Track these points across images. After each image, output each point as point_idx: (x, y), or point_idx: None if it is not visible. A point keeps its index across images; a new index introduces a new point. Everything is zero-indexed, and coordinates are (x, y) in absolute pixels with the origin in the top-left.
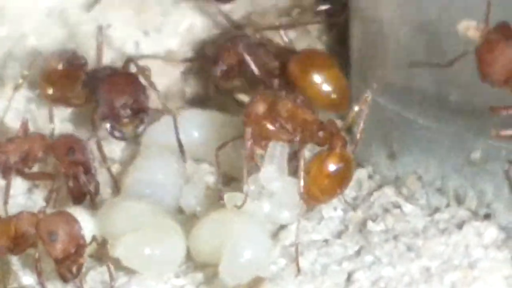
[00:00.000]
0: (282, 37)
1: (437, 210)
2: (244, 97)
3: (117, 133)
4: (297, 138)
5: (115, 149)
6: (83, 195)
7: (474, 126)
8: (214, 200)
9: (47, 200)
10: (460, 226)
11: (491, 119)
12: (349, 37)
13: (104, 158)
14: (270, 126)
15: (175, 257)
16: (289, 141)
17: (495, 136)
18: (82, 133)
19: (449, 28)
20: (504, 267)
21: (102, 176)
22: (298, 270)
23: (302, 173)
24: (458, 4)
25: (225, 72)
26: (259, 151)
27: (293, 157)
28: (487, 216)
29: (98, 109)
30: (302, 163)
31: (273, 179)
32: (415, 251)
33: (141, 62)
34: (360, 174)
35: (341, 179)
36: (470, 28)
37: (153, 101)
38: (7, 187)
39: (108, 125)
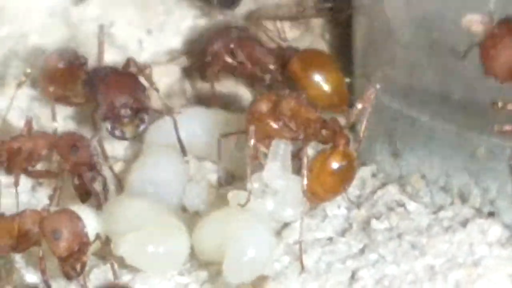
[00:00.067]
0: (278, 30)
1: (441, 208)
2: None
3: (117, 133)
4: (301, 136)
5: (118, 147)
6: (89, 193)
7: (478, 124)
8: (218, 198)
9: (51, 198)
10: (464, 224)
11: (494, 117)
12: (352, 34)
13: (105, 157)
14: (273, 124)
15: (179, 255)
16: (292, 139)
17: (498, 131)
18: (85, 131)
19: (453, 25)
20: (509, 265)
21: (105, 175)
22: (302, 268)
23: (305, 171)
24: (462, 1)
25: (213, 60)
26: (262, 149)
27: (297, 155)
28: (491, 214)
29: (98, 109)
30: (305, 161)
31: (277, 177)
32: (419, 249)
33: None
34: (364, 172)
35: (344, 177)
36: (474, 22)
37: (155, 101)
38: (15, 185)
39: (108, 125)
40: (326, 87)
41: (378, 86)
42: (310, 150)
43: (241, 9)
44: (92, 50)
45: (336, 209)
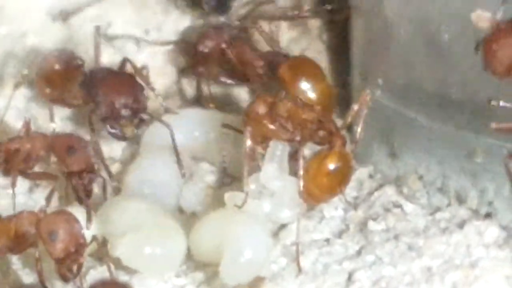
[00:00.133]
0: (273, 33)
1: (438, 209)
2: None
3: (116, 134)
4: (298, 137)
5: (116, 148)
6: (88, 194)
7: (476, 125)
8: (214, 200)
9: (48, 199)
10: (461, 225)
11: (492, 118)
12: (350, 35)
13: (102, 158)
14: (270, 126)
15: (176, 256)
16: (289, 140)
17: (495, 129)
18: (82, 132)
19: (450, 25)
20: (506, 266)
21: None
22: (299, 269)
23: (301, 172)
24: (462, 1)
25: (203, 57)
26: (259, 150)
27: (294, 156)
28: (488, 215)
29: (96, 110)
30: (301, 162)
31: (274, 178)
32: (416, 251)
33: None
34: (361, 173)
35: (341, 178)
36: (481, 19)
37: (153, 101)
38: (13, 187)
39: (107, 126)
40: (312, 96)
41: (375, 86)
42: (307, 151)
43: (239, 12)
44: (90, 50)
45: (333, 211)
